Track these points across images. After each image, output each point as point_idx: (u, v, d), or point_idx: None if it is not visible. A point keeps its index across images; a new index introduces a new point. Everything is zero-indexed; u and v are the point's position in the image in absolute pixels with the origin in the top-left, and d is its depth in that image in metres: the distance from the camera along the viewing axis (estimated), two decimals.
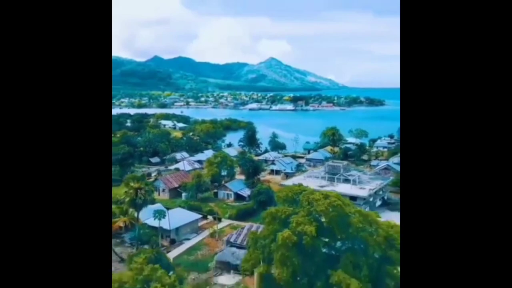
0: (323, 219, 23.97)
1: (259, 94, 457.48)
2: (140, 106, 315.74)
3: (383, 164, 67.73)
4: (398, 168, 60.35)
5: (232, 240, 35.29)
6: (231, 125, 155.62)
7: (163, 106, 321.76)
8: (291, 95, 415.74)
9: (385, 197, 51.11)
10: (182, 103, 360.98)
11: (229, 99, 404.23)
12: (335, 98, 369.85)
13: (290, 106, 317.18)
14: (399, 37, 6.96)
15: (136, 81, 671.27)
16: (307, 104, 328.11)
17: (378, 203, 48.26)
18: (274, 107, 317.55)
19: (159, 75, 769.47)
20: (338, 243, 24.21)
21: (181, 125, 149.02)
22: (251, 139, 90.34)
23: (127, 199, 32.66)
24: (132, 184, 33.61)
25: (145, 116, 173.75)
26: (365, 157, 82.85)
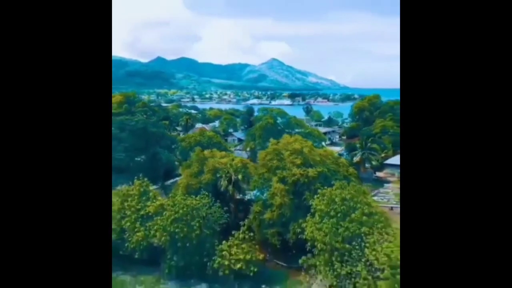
0: (279, 120, 53.71)
1: (260, 93, 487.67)
2: (150, 102, 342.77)
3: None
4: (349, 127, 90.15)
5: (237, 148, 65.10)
6: (234, 114, 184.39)
7: (171, 102, 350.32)
8: (289, 92, 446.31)
9: (333, 140, 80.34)
10: (188, 100, 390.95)
11: (231, 96, 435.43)
12: (331, 95, 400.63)
13: (288, 102, 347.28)
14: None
15: (141, 81, 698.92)
16: (304, 100, 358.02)
17: (327, 142, 77.60)
18: (273, 102, 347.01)
19: (162, 75, 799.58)
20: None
21: (193, 111, 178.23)
22: (250, 117, 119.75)
23: (183, 123, 62.13)
24: (185, 116, 63.08)
25: (161, 106, 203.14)
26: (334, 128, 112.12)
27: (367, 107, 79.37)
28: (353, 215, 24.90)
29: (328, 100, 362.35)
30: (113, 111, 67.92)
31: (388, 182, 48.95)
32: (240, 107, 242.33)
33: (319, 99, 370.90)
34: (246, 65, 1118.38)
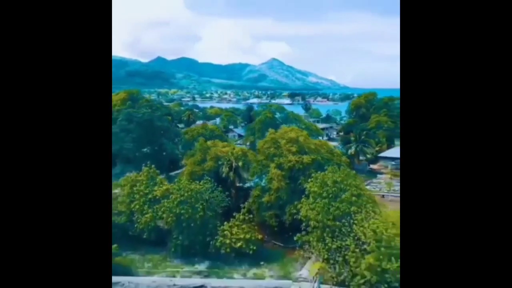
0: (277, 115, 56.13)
1: (260, 92, 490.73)
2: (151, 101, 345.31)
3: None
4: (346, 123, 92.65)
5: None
6: (234, 112, 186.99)
7: (172, 101, 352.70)
8: (289, 92, 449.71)
9: (330, 136, 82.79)
10: (188, 99, 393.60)
11: (231, 95, 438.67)
12: (330, 95, 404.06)
13: (287, 101, 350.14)
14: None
15: (141, 81, 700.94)
16: (303, 99, 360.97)
17: (325, 138, 80.00)
18: (273, 101, 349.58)
19: (163, 75, 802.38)
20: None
21: (194, 110, 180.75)
22: (250, 113, 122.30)
23: (185, 119, 64.68)
24: (188, 112, 65.62)
25: (162, 105, 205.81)
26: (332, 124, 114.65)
27: (364, 104, 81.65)
28: (343, 196, 27.34)
29: (328, 100, 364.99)
30: (117, 107, 70.24)
31: (382, 173, 51.37)
32: (240, 106, 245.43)
33: (319, 98, 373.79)
34: (246, 65, 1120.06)
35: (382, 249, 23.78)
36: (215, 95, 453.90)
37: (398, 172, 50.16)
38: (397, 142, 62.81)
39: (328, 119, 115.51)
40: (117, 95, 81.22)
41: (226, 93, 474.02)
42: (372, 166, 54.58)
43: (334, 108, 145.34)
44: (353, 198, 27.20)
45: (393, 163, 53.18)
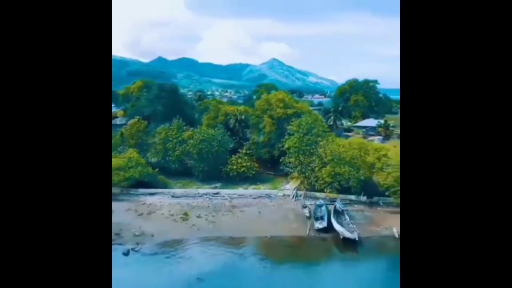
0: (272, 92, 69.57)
1: None
2: None
3: None
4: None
5: None
6: (234, 103, 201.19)
7: None
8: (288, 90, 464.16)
9: None
10: (190, 96, 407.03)
11: (232, 93, 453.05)
12: (328, 92, 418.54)
13: None
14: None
15: None
16: (301, 95, 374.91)
17: None
18: None
19: (164, 75, 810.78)
20: None
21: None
22: (249, 99, 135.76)
23: (196, 98, 78.06)
24: (198, 93, 78.98)
25: None
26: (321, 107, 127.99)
27: (348, 89, 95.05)
28: (313, 131, 40.86)
29: (325, 96, 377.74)
30: (133, 94, 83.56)
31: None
32: (241, 101, 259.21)
33: (316, 95, 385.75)
34: (246, 65, 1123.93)
35: (335, 160, 37.26)
36: (217, 93, 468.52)
37: (365, 136, 63.80)
38: (371, 117, 76.42)
39: (319, 106, 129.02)
40: (135, 84, 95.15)
41: (227, 91, 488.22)
42: (347, 133, 67.91)
43: (328, 101, 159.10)
44: (319, 132, 40.76)
45: (363, 130, 66.72)
